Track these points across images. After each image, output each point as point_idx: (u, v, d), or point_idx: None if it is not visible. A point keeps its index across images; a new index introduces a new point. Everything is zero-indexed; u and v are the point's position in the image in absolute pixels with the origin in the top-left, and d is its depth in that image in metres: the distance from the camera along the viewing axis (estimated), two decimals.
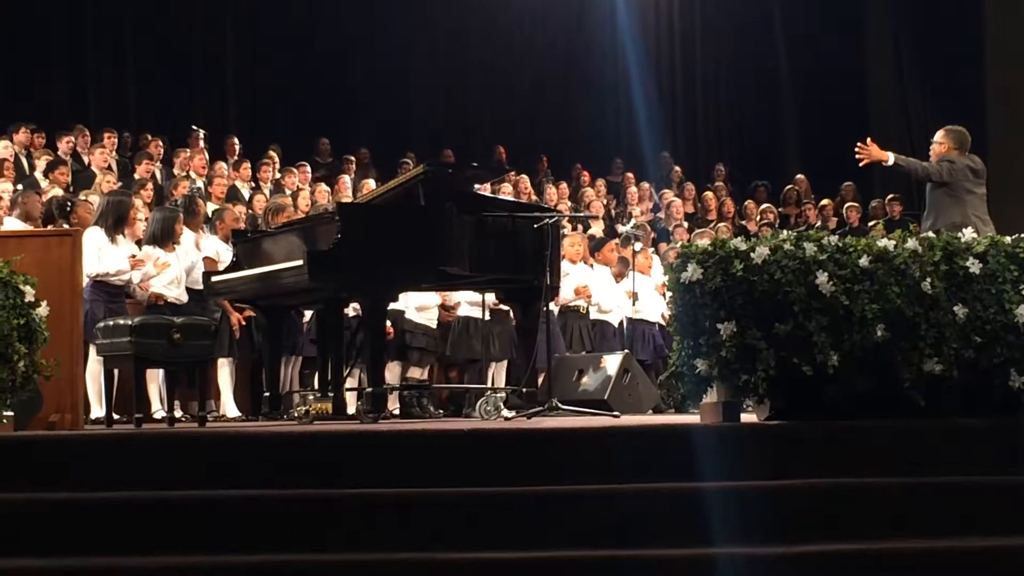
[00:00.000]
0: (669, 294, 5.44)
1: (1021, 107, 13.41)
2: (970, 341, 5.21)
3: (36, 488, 4.53)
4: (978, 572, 4.23)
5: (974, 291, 5.27)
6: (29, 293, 5.41)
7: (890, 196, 14.00)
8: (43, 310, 5.49)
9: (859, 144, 7.97)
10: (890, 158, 7.86)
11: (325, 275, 6.52)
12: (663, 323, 9.98)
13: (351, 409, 7.45)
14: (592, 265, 10.37)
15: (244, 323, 8.81)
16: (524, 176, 13.10)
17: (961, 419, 5.14)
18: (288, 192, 11.54)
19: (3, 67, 13.43)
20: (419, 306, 9.35)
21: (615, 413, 7.58)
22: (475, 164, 9.53)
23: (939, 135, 8.03)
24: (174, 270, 8.53)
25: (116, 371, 7.20)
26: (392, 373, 9.16)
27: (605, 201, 13.36)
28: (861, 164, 8.01)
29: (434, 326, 9.55)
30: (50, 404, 5.99)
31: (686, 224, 12.87)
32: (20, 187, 9.50)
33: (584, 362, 9.23)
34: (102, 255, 8.12)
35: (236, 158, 12.54)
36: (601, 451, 4.81)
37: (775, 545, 4.26)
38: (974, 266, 5.27)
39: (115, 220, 8.27)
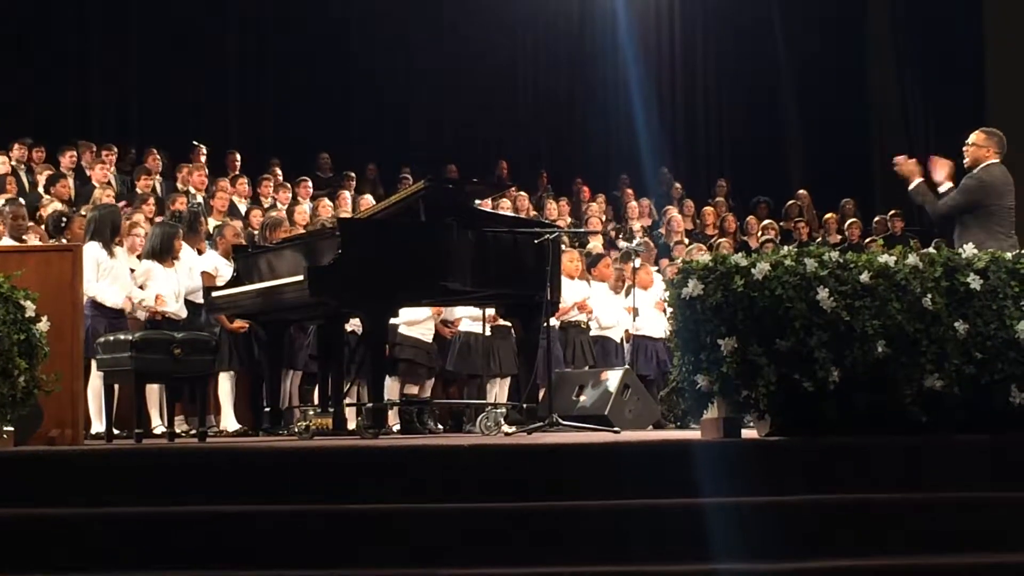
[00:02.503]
0: (669, 310, 5.44)
1: (1022, 109, 13.39)
2: (971, 357, 5.21)
3: (36, 503, 4.53)
4: None
5: (975, 307, 5.27)
6: (30, 308, 5.41)
7: (892, 212, 14.00)
8: (43, 325, 5.49)
9: (900, 156, 7.50)
10: (913, 183, 7.23)
11: (326, 291, 6.53)
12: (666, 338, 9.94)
13: (351, 424, 7.44)
14: (590, 281, 10.36)
15: (244, 330, 8.74)
16: (523, 193, 13.09)
17: (962, 435, 5.14)
18: (282, 207, 11.50)
19: (8, 82, 13.44)
20: (408, 320, 9.26)
21: (615, 429, 7.55)
22: (475, 179, 9.53)
23: (980, 137, 7.17)
24: (172, 285, 8.53)
25: (116, 386, 7.19)
26: (392, 389, 9.13)
27: (604, 217, 13.34)
28: (896, 168, 7.42)
29: (428, 340, 9.45)
30: (50, 419, 5.99)
31: (687, 240, 12.84)
32: (2, 202, 9.44)
33: (585, 378, 9.21)
34: (101, 271, 8.13)
35: (236, 173, 12.53)
36: (602, 467, 4.81)
37: (776, 561, 4.26)
38: (975, 282, 5.27)
39: (111, 232, 8.29)
